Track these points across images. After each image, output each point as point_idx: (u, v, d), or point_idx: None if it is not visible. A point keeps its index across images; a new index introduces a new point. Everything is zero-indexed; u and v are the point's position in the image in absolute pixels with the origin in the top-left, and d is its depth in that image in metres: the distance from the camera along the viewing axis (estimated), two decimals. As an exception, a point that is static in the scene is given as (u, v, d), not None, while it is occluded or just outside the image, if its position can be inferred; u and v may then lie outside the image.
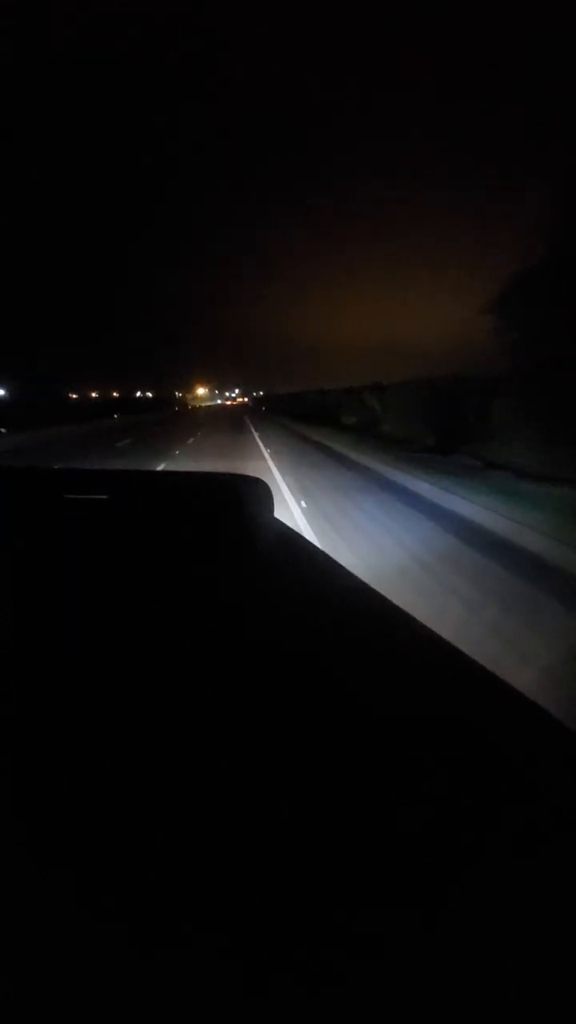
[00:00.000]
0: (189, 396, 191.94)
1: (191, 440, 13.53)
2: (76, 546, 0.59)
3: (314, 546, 0.67)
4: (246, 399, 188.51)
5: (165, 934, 0.19)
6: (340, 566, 0.58)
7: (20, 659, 0.36)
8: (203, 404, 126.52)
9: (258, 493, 0.71)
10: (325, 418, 19.03)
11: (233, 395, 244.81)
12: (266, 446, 11.82)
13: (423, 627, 0.43)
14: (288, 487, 6.40)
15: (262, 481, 0.74)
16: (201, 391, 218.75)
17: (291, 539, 0.67)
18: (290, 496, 5.81)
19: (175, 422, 24.93)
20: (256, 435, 15.19)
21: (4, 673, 0.35)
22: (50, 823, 0.23)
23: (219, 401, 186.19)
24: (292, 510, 5.07)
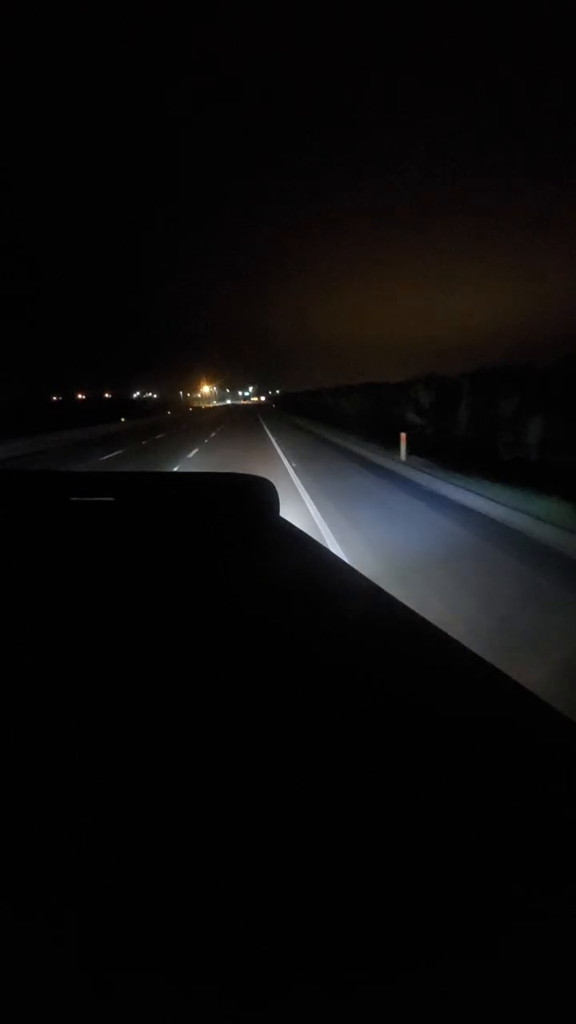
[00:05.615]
0: (193, 396, 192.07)
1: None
2: (83, 549, 0.64)
3: (322, 546, 0.71)
4: (261, 398, 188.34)
5: (162, 945, 0.20)
6: (349, 567, 0.62)
7: (25, 660, 0.40)
8: (206, 405, 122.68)
9: (264, 493, 0.77)
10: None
11: (246, 394, 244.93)
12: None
13: (433, 628, 0.46)
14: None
15: (268, 481, 0.79)
16: (207, 389, 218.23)
17: (298, 539, 0.70)
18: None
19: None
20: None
21: (11, 674, 0.38)
22: (46, 821, 0.25)
23: (228, 401, 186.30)
24: None
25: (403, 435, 9.65)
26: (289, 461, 10.37)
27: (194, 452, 12.59)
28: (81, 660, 0.39)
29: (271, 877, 0.22)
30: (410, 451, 9.56)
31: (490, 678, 0.38)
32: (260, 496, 0.76)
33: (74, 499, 0.77)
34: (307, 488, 7.34)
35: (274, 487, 0.79)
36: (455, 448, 9.55)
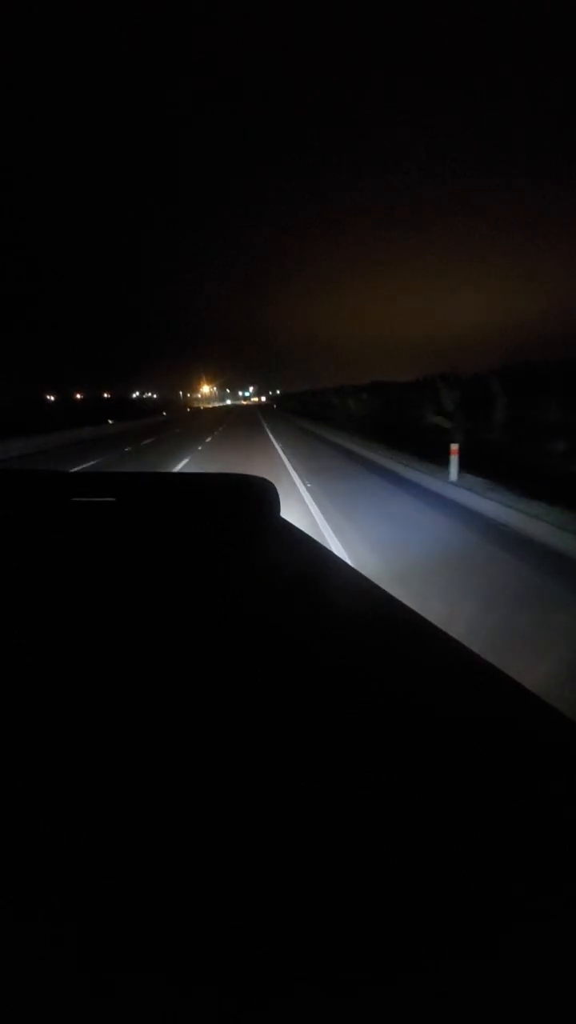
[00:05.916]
0: (193, 396, 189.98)
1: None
2: (85, 548, 0.65)
3: (323, 547, 0.71)
4: (262, 398, 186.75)
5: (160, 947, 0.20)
6: (350, 567, 0.63)
7: (26, 660, 0.40)
8: (205, 406, 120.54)
9: (265, 493, 0.78)
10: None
11: (247, 394, 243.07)
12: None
13: (433, 628, 0.46)
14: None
15: (268, 481, 0.80)
16: (207, 389, 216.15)
17: (299, 540, 0.71)
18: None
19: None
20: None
21: (11, 674, 0.39)
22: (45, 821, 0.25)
23: (228, 402, 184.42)
24: None
25: (454, 447, 7.24)
26: (303, 480, 8.13)
27: (184, 462, 10.62)
28: (82, 660, 0.40)
29: (271, 877, 0.22)
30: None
31: (490, 678, 0.38)
32: (261, 496, 0.77)
33: (75, 499, 0.78)
34: (332, 527, 5.06)
35: (274, 487, 0.79)
36: (505, 460, 7.25)
